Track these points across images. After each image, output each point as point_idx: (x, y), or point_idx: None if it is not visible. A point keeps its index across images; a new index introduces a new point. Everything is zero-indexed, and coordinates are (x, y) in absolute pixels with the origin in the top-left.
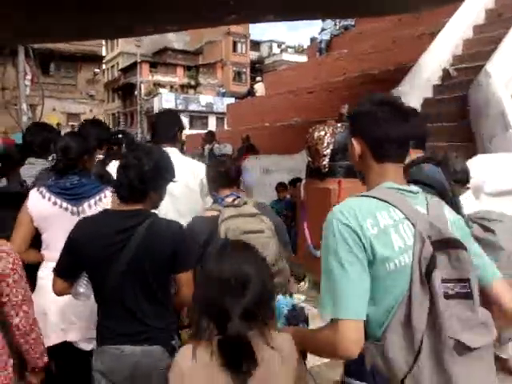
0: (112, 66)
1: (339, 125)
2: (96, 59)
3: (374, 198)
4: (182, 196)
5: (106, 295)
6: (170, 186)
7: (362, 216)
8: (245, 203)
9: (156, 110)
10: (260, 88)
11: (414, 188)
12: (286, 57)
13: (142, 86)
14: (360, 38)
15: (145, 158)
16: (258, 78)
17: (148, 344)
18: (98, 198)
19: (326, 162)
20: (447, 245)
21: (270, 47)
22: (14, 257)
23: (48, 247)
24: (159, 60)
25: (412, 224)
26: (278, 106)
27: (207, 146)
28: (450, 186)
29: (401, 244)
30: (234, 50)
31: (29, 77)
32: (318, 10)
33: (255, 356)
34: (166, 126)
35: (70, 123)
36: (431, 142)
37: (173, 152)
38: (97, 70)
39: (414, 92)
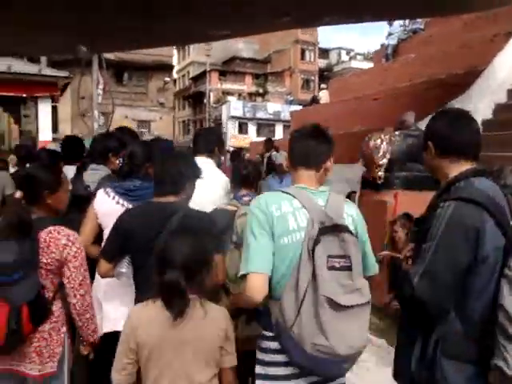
0: (183, 75)
1: (397, 133)
2: (166, 68)
3: (282, 192)
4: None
5: (147, 275)
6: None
7: (270, 203)
8: None
9: (224, 117)
10: (324, 95)
11: (322, 188)
12: (355, 64)
13: (211, 94)
14: (428, 41)
15: (180, 160)
16: (323, 86)
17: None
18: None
19: (381, 172)
20: (336, 229)
21: (339, 54)
22: (78, 246)
23: None
24: (228, 68)
25: (308, 212)
26: (342, 114)
27: (266, 154)
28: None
29: (295, 225)
30: (303, 57)
31: (101, 86)
32: (383, 10)
33: (186, 297)
34: (206, 139)
35: (141, 130)
36: (500, 151)
37: (208, 162)
38: (167, 79)
39: (485, 97)
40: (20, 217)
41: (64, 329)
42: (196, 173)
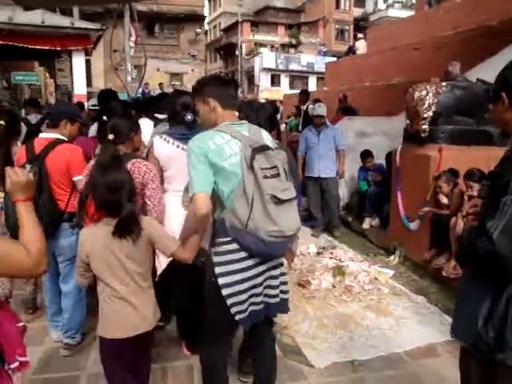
0: (214, 27)
1: (444, 84)
2: (198, 19)
3: (215, 130)
4: None
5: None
6: None
7: (206, 140)
8: None
9: (256, 69)
10: (361, 46)
11: (242, 121)
12: (392, 13)
13: (243, 45)
14: None
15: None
16: (360, 35)
17: None
18: None
19: (426, 125)
20: (262, 148)
21: (376, 3)
22: (154, 173)
23: (170, 182)
24: (260, 19)
25: (239, 141)
26: (380, 65)
27: (302, 106)
28: None
29: (231, 152)
30: (337, 6)
31: (133, 38)
32: None
33: (139, 223)
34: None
35: (173, 83)
36: None
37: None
38: (198, 30)
39: None
40: (113, 155)
41: None
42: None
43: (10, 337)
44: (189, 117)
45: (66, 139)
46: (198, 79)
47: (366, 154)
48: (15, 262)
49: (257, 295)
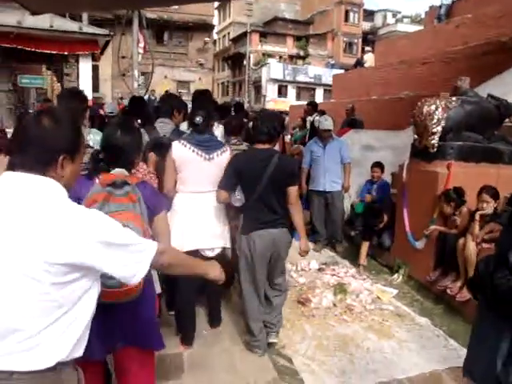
0: (223, 36)
1: (454, 98)
2: (207, 28)
3: None
4: None
5: (255, 198)
6: None
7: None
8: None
9: (264, 80)
10: (370, 59)
11: None
12: (401, 27)
13: (252, 55)
14: (487, 0)
15: (274, 118)
16: (368, 48)
17: (281, 227)
18: (223, 150)
19: (435, 140)
20: None
21: (385, 17)
22: (148, 178)
23: (183, 183)
24: (269, 30)
25: None
26: (388, 78)
27: (309, 118)
28: None
29: None
30: (346, 19)
31: (141, 45)
32: None
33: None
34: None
35: (179, 90)
36: None
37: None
38: (207, 39)
39: None
40: None
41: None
42: (281, 130)
43: None
44: (196, 119)
45: None
46: None
47: (375, 165)
48: None
49: None
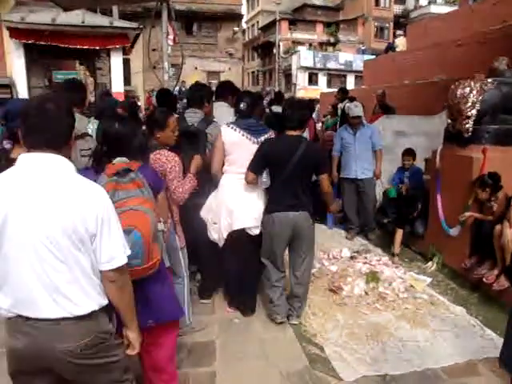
0: (252, 25)
1: (489, 80)
2: (235, 18)
3: None
4: None
5: (280, 182)
6: None
7: None
8: None
9: (294, 68)
10: (401, 43)
11: None
12: (434, 9)
13: (281, 44)
14: None
15: (303, 105)
16: (399, 32)
17: (302, 210)
18: (269, 134)
19: (469, 124)
20: None
21: None
22: (173, 164)
23: (231, 164)
24: (298, 17)
25: None
26: (421, 62)
27: (339, 105)
28: None
29: None
30: (377, 3)
31: (171, 37)
32: None
33: None
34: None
35: (210, 81)
36: None
37: None
38: (236, 29)
39: None
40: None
41: (173, 221)
42: (308, 117)
43: None
44: (241, 105)
45: None
46: None
47: (406, 152)
48: None
49: None
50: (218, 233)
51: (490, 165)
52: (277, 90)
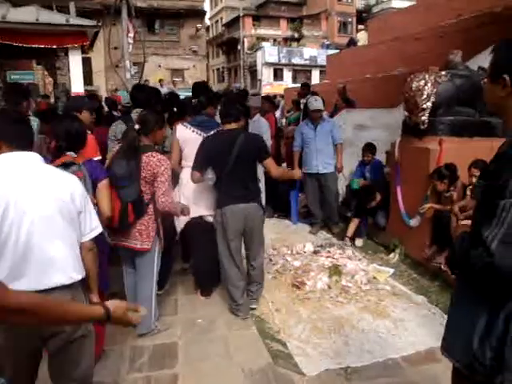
0: (216, 22)
1: (443, 73)
2: (198, 15)
3: None
4: None
5: (226, 175)
6: None
7: None
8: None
9: (259, 64)
10: (363, 37)
11: None
12: (396, 4)
13: (246, 40)
14: None
15: (235, 98)
16: (361, 27)
17: (252, 202)
18: (219, 129)
19: (425, 117)
20: None
21: None
22: (166, 166)
23: (186, 159)
24: (262, 13)
25: None
26: (381, 56)
27: (302, 100)
28: None
29: None
30: None
31: (131, 34)
32: None
33: None
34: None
35: (174, 79)
36: None
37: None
38: (199, 26)
39: None
40: (130, 144)
41: (157, 221)
42: (245, 110)
43: None
44: (193, 103)
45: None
46: None
47: (366, 147)
48: None
49: None
50: (177, 221)
51: (447, 155)
52: (242, 87)
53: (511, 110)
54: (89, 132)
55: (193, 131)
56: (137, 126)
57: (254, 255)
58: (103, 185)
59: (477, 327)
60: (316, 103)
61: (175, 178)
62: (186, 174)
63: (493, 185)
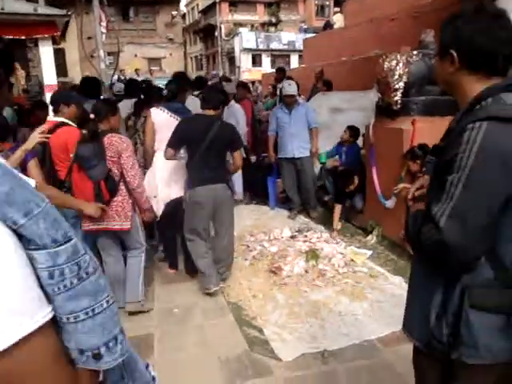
0: (192, 8)
1: (415, 52)
2: (173, 2)
3: None
4: None
5: (197, 158)
6: None
7: None
8: None
9: (237, 50)
10: (339, 20)
11: None
12: None
13: (223, 26)
14: None
15: (219, 90)
16: (336, 9)
17: (220, 183)
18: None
19: (398, 97)
20: None
21: None
22: (127, 143)
23: (160, 142)
24: None
25: None
26: (357, 38)
27: (278, 85)
28: None
29: None
30: None
31: (104, 23)
32: None
33: None
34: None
35: (151, 68)
36: None
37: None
38: (174, 13)
39: None
40: (91, 129)
41: (131, 201)
42: (225, 99)
43: None
44: (164, 91)
45: (69, 122)
46: None
47: (347, 128)
48: None
49: None
50: (156, 204)
51: (421, 135)
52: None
53: (460, 86)
54: (73, 125)
55: (170, 116)
56: (92, 116)
57: (223, 234)
58: (31, 164)
59: (433, 303)
60: (289, 88)
61: (149, 160)
62: (161, 158)
63: (442, 160)
